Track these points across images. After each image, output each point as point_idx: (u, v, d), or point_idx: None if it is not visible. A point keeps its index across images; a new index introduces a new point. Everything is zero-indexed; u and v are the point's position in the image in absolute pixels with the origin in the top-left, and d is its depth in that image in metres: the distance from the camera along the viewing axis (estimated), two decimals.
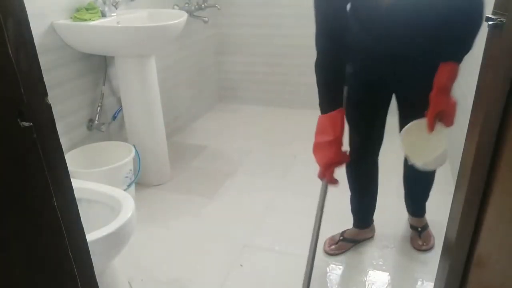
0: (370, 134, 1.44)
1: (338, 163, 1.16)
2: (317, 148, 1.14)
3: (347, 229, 1.66)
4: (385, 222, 1.77)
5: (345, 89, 1.28)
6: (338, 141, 1.12)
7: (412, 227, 1.67)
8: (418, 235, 1.63)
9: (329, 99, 1.16)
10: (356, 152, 1.45)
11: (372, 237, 1.67)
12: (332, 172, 1.16)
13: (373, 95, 1.35)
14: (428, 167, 1.25)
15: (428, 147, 1.20)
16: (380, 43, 1.22)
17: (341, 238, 1.63)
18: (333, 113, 1.13)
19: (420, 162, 1.22)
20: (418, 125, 1.21)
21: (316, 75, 1.17)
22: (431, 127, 1.18)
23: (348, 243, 1.62)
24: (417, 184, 1.59)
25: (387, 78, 1.31)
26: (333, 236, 1.65)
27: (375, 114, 1.40)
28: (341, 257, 1.58)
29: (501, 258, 0.70)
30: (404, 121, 1.30)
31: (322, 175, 1.17)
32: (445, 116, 1.18)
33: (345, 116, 1.22)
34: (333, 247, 1.61)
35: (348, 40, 1.16)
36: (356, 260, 1.57)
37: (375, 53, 1.25)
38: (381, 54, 1.24)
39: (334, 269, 1.53)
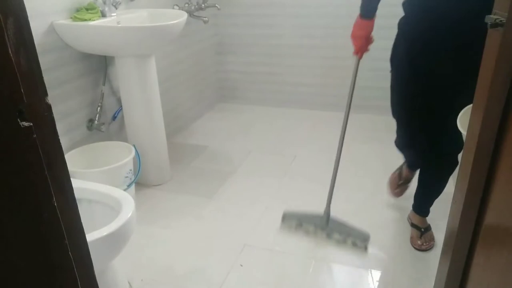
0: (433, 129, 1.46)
1: (367, 46, 1.50)
2: (355, 36, 1.48)
3: (401, 171, 1.79)
4: (384, 221, 1.77)
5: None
6: (369, 35, 1.46)
7: (415, 226, 1.67)
8: (420, 235, 1.63)
9: (369, 6, 1.41)
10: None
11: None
12: (363, 52, 1.50)
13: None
14: None
15: None
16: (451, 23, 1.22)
17: (401, 182, 1.79)
18: (368, 21, 1.43)
19: None
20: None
21: None
22: None
23: (405, 185, 1.79)
24: (434, 182, 1.59)
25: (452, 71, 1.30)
26: (393, 178, 1.83)
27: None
28: (341, 257, 1.58)
29: (501, 258, 0.70)
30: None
31: (356, 53, 1.51)
32: None
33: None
34: (397, 190, 1.80)
35: None
36: (356, 259, 1.57)
37: (443, 36, 1.26)
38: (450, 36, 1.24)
39: (333, 268, 1.53)
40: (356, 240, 1.59)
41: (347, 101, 1.60)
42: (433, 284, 1.06)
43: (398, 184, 1.81)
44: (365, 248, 1.57)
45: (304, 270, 1.53)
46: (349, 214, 1.78)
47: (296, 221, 1.70)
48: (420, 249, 1.59)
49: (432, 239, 1.63)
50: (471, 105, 1.15)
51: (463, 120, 1.18)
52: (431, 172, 1.57)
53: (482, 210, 0.79)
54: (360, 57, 1.53)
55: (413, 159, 1.67)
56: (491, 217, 0.75)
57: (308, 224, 1.68)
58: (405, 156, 1.69)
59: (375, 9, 1.41)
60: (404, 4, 1.35)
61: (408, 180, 1.80)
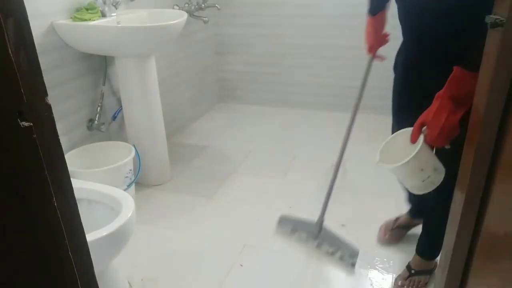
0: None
1: (379, 45, 1.43)
2: (366, 35, 1.42)
3: (400, 216, 1.66)
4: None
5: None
6: (378, 35, 1.40)
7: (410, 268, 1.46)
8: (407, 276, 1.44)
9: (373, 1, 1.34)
10: None
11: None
12: (375, 50, 1.43)
13: (403, 89, 1.32)
14: (407, 184, 1.11)
15: (400, 153, 1.05)
16: (409, 24, 1.19)
17: (396, 226, 1.63)
18: (371, 18, 1.37)
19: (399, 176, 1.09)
20: (406, 133, 1.09)
21: None
22: (413, 136, 1.05)
23: (402, 230, 1.63)
24: (434, 214, 1.36)
25: (413, 69, 1.24)
26: (387, 224, 1.66)
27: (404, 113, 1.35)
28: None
29: (502, 259, 0.70)
30: None
31: (368, 52, 1.44)
32: (429, 134, 1.02)
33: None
34: (387, 236, 1.62)
35: None
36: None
37: (406, 36, 1.24)
38: (409, 37, 1.22)
39: (333, 268, 1.53)
40: (344, 255, 1.53)
41: (355, 103, 1.50)
42: (433, 285, 1.06)
43: (393, 227, 1.64)
44: (352, 265, 1.50)
45: (304, 270, 1.52)
46: (351, 215, 1.78)
47: (290, 227, 1.68)
48: None
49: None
50: (399, 131, 1.10)
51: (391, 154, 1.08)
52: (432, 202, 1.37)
53: (482, 210, 0.79)
54: (373, 56, 1.44)
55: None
56: (491, 217, 0.75)
57: (302, 231, 1.65)
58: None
59: (380, 6, 1.33)
60: None
61: (404, 227, 1.64)
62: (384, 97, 2.78)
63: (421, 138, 1.03)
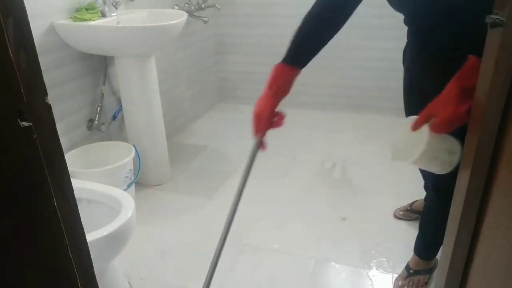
0: None
1: (270, 126, 1.13)
2: (260, 104, 1.12)
3: (416, 200, 1.78)
4: (386, 224, 1.77)
5: None
6: (272, 97, 1.10)
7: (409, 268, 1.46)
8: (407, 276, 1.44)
9: (292, 49, 1.07)
10: None
11: None
12: (264, 132, 1.12)
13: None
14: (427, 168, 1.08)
15: (410, 147, 1.02)
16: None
17: (409, 208, 1.79)
18: (282, 66, 1.09)
19: (407, 161, 1.04)
20: (410, 121, 1.05)
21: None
22: (415, 124, 0.99)
23: (414, 214, 1.76)
24: (430, 215, 1.37)
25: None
26: (402, 206, 1.82)
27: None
28: (341, 257, 1.58)
29: (502, 258, 0.70)
30: None
31: (255, 133, 1.13)
32: (435, 122, 0.96)
33: None
34: (401, 212, 1.79)
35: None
36: (356, 259, 1.57)
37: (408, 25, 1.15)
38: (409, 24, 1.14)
39: (333, 268, 1.53)
40: None
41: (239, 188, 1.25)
42: (433, 284, 1.06)
43: (407, 208, 1.79)
44: None
45: (304, 270, 1.53)
46: (351, 211, 1.78)
47: None
48: None
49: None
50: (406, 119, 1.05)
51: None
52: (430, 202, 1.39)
53: (482, 210, 0.79)
54: (261, 136, 1.15)
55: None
56: (491, 217, 0.75)
57: None
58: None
59: (308, 55, 1.08)
60: None
61: (417, 212, 1.75)
62: (382, 98, 2.80)
63: (426, 129, 0.97)
